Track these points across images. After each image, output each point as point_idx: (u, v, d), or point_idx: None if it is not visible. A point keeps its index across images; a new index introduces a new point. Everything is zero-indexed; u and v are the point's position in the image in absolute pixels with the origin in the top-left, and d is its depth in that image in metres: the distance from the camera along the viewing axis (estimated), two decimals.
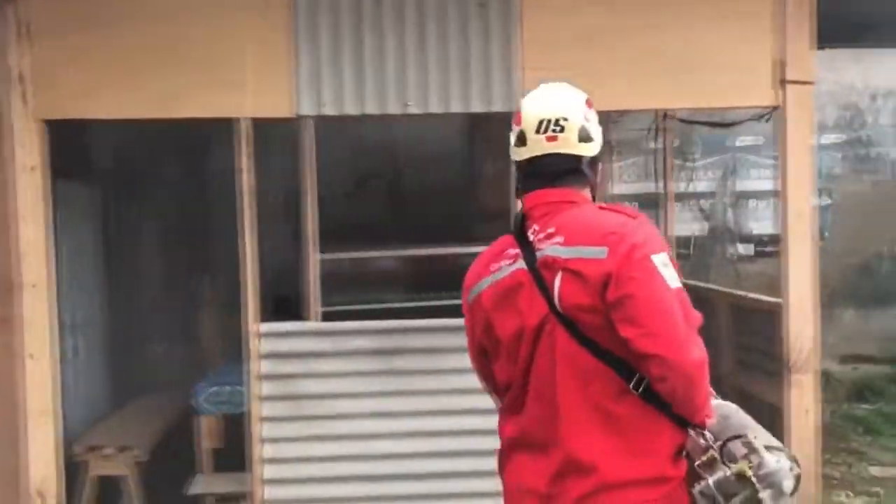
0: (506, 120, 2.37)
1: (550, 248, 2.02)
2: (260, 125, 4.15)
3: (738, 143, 8.69)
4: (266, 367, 4.14)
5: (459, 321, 2.29)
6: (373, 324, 4.22)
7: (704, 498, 1.99)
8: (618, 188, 8.44)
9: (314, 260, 4.25)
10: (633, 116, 7.48)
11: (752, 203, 8.81)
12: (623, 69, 4.13)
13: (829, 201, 8.81)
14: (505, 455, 2.18)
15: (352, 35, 4.12)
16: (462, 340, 2.31)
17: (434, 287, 6.29)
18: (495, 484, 2.21)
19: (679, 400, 1.95)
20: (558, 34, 4.14)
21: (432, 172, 6.59)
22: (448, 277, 6.06)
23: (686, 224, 8.62)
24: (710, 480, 1.96)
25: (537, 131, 2.09)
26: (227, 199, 4.16)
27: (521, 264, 2.07)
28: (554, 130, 2.08)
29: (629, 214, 2.07)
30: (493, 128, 7.74)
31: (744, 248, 8.93)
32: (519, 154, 2.15)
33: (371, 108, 4.12)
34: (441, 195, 7.91)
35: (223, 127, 4.12)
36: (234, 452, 4.37)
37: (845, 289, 8.64)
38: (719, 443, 2.02)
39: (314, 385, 4.17)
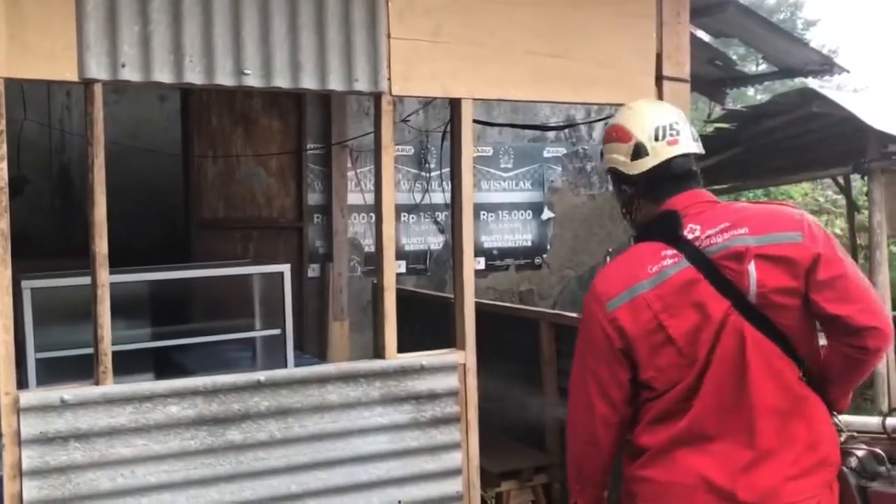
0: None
1: (737, 240, 2.08)
2: None
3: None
4: (31, 458, 2.71)
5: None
6: (193, 381, 2.96)
7: (853, 474, 2.23)
8: (353, 198, 7.68)
9: None
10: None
11: (482, 216, 8.52)
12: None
13: (551, 215, 8.89)
14: (663, 454, 2.16)
15: None
16: None
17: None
18: None
19: (862, 376, 2.15)
20: None
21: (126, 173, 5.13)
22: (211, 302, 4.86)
23: (422, 237, 8.22)
24: (858, 455, 2.25)
25: (656, 139, 2.23)
26: None
27: (686, 263, 2.12)
28: (671, 134, 2.24)
29: (790, 205, 2.21)
30: (214, 116, 6.49)
31: (475, 262, 8.66)
32: (641, 166, 2.25)
33: (193, 76, 2.88)
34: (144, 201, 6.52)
35: None
36: None
37: (566, 300, 8.74)
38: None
39: (107, 482, 2.81)
